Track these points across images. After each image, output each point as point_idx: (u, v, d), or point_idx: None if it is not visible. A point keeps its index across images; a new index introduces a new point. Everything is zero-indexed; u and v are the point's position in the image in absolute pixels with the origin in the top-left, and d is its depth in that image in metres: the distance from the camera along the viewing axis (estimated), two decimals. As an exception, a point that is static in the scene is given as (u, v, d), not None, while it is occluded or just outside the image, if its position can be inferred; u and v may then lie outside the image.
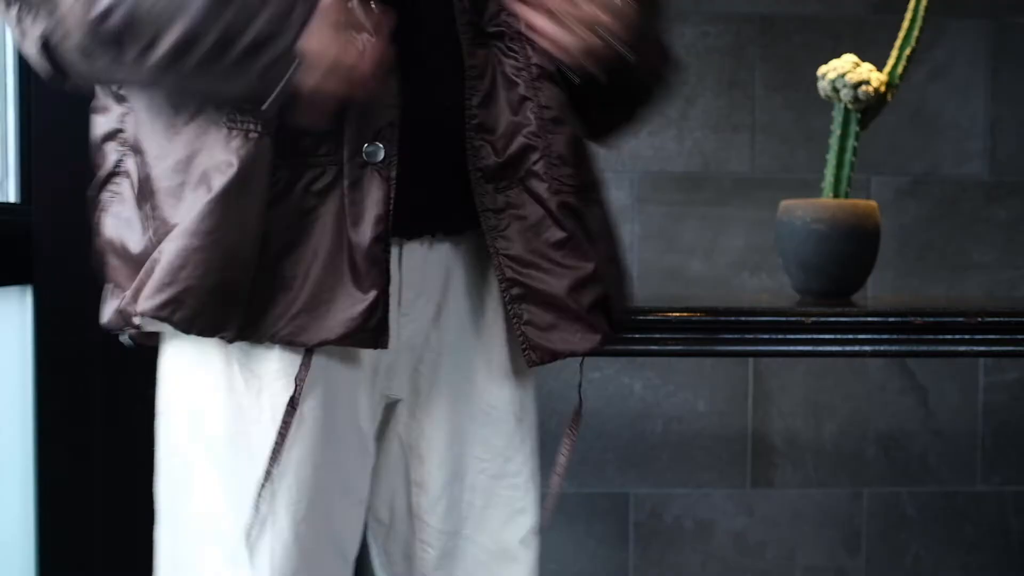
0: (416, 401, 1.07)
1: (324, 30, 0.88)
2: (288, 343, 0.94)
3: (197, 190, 0.92)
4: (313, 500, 0.97)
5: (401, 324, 1.01)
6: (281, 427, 0.95)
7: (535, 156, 1.02)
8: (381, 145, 0.94)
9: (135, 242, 0.97)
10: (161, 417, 1.02)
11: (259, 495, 0.96)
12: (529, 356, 1.04)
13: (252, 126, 0.91)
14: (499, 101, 1.01)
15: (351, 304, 0.93)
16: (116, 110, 1.01)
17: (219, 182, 0.91)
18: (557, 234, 1.03)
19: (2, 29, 1.63)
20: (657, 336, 1.36)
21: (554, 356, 1.05)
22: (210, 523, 0.97)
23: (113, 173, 1.02)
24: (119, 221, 1.00)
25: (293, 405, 0.96)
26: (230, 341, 0.94)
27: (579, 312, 1.04)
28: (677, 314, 1.35)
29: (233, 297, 0.92)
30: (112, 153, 1.02)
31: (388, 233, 0.94)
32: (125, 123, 1.00)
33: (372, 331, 0.94)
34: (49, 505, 1.70)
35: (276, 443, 0.95)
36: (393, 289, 0.97)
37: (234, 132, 0.92)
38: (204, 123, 0.93)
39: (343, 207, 0.94)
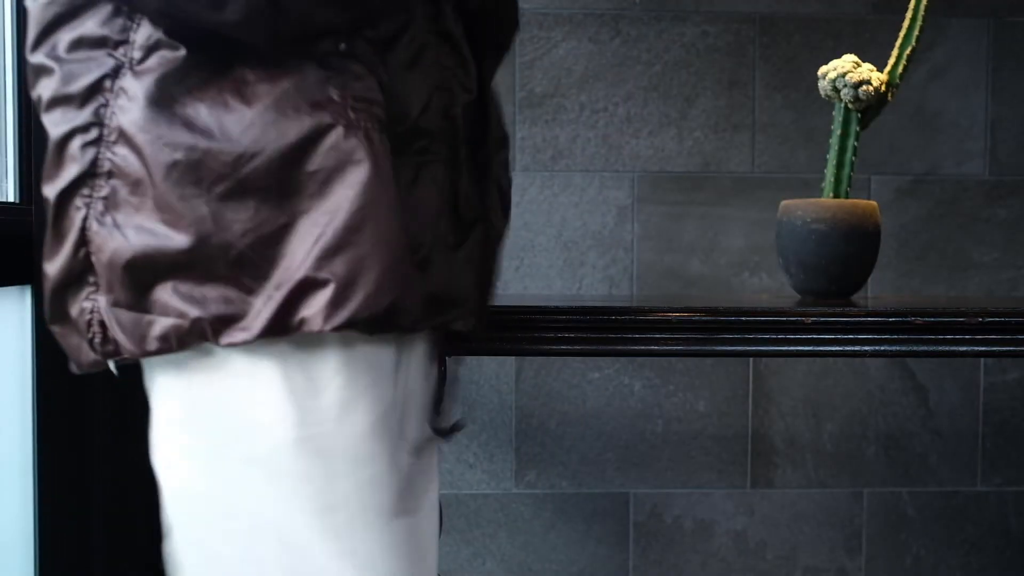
0: None
1: None
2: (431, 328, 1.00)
3: (334, 187, 0.89)
4: (401, 493, 0.99)
5: None
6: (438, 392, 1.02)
7: None
8: None
9: (193, 255, 0.90)
10: (182, 430, 0.96)
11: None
12: None
13: (370, 123, 0.90)
14: None
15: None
16: (91, 103, 0.92)
17: (359, 176, 0.89)
18: None
19: (0, 29, 1.62)
20: (657, 336, 1.36)
21: None
22: (275, 532, 0.93)
23: (90, 175, 0.92)
24: (142, 233, 0.90)
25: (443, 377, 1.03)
26: (409, 330, 0.95)
27: None
28: (677, 314, 1.35)
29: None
30: (87, 151, 0.92)
31: None
32: (105, 114, 0.92)
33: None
34: (49, 505, 1.70)
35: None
36: None
37: (352, 128, 0.89)
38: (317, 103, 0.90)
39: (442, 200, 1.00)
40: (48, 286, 0.95)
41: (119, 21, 0.93)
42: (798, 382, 2.16)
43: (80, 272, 0.93)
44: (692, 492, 2.16)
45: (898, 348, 1.36)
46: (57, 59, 0.95)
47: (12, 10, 1.61)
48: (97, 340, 0.93)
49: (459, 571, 2.13)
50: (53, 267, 0.94)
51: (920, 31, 1.52)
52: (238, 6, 0.87)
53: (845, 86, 1.51)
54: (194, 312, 0.89)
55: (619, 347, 1.35)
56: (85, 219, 0.92)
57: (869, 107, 1.54)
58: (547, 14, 2.10)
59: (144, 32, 0.92)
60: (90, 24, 0.94)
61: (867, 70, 1.52)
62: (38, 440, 1.70)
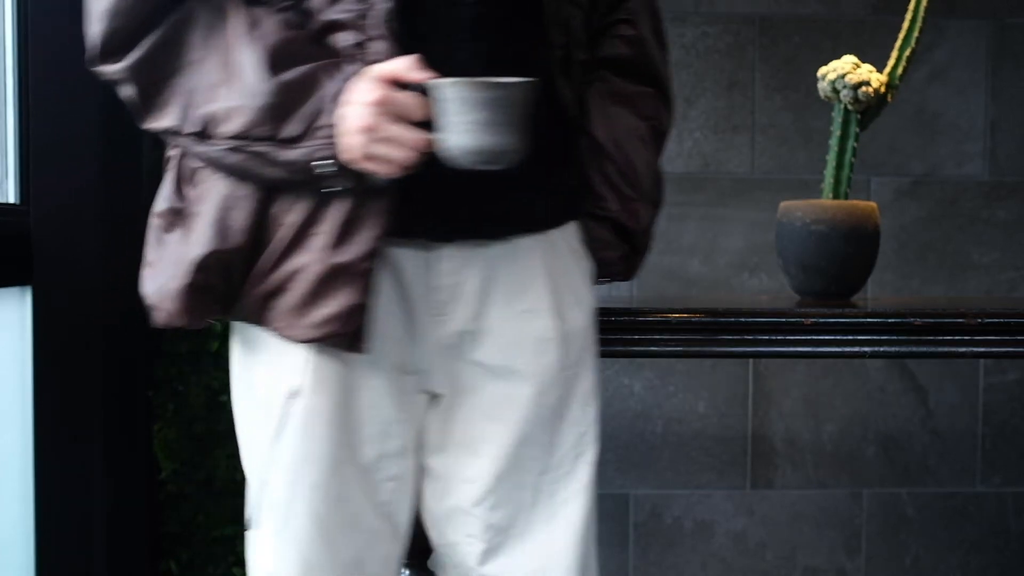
0: (461, 397, 1.10)
1: (355, 135, 0.94)
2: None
3: None
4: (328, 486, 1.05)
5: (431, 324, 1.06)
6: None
7: None
8: None
9: None
10: None
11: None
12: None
13: None
14: None
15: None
16: None
17: None
18: None
19: (1, 30, 1.62)
20: (657, 336, 1.36)
21: None
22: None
23: None
24: None
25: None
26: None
27: None
28: (677, 315, 1.35)
29: None
30: None
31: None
32: None
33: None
34: (49, 504, 1.70)
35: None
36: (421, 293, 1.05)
37: None
38: None
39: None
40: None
41: None
42: (798, 383, 2.17)
43: None
44: (692, 493, 2.16)
45: (897, 349, 1.36)
46: None
47: (12, 11, 1.61)
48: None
49: (459, 571, 2.13)
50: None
51: (920, 32, 1.52)
52: None
53: (844, 87, 1.51)
54: None
55: (619, 347, 1.35)
56: None
57: (868, 108, 1.54)
58: (547, 15, 2.10)
59: None
60: None
61: (867, 71, 1.52)
62: (37, 440, 1.70)
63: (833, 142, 1.56)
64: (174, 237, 1.03)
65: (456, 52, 0.99)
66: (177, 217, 1.03)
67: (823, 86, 1.54)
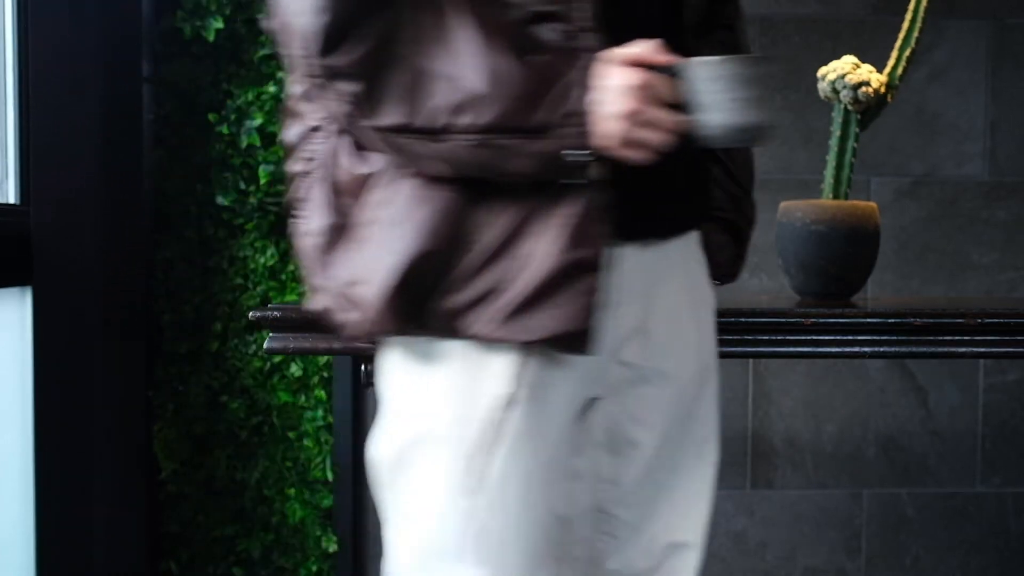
0: (609, 399, 1.07)
1: (616, 121, 0.90)
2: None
3: None
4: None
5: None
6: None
7: None
8: None
9: None
10: None
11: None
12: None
13: None
14: None
15: None
16: None
17: None
18: None
19: (1, 31, 1.62)
20: (657, 337, 1.36)
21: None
22: None
23: None
24: None
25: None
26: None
27: None
28: (677, 315, 1.34)
29: None
30: None
31: None
32: None
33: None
34: (49, 504, 1.70)
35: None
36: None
37: None
38: None
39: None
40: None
41: None
42: (798, 383, 2.17)
43: None
44: (692, 493, 2.16)
45: (897, 349, 1.36)
46: None
47: (12, 11, 1.61)
48: None
49: (459, 572, 2.13)
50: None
51: (920, 32, 1.52)
52: None
53: (844, 87, 1.51)
54: None
55: (619, 348, 1.35)
56: None
57: (868, 108, 1.54)
58: (547, 15, 2.10)
59: None
60: None
61: (866, 71, 1.52)
62: (37, 440, 1.70)
63: (833, 142, 1.56)
64: (343, 253, 0.97)
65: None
66: (341, 232, 0.97)
67: (823, 86, 1.54)
